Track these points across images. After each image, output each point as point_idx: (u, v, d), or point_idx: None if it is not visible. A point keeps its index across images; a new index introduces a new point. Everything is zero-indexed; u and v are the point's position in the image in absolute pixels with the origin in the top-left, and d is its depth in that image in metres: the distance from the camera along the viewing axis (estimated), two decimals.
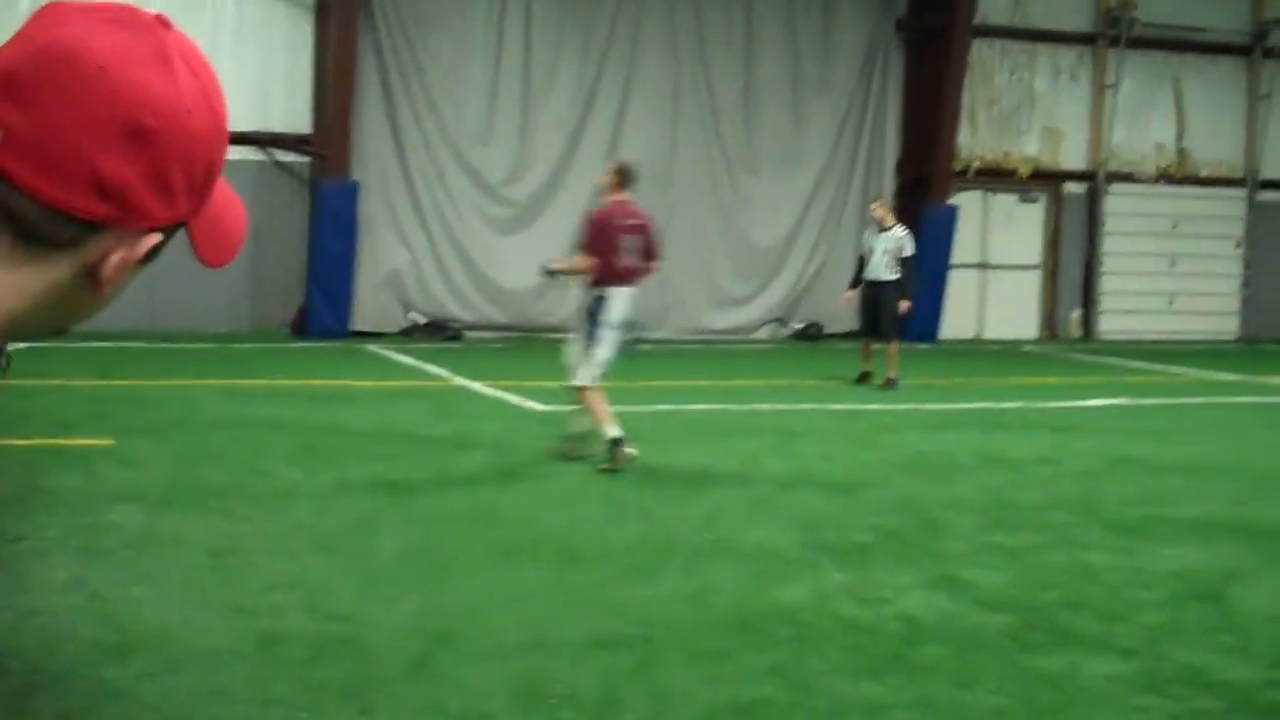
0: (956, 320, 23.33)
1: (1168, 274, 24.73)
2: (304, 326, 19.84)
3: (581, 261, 10.49)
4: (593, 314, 10.52)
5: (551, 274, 11.18)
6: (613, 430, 10.29)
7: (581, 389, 10.43)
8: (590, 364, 10.40)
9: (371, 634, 6.26)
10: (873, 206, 16.83)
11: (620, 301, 10.48)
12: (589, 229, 10.59)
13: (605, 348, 10.40)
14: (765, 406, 14.40)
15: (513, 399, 14.35)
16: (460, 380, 15.67)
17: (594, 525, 8.64)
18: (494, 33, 21.04)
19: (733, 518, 8.97)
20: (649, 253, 10.66)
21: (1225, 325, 25.31)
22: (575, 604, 6.87)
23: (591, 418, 10.47)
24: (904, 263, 16.12)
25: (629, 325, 10.55)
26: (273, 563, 7.44)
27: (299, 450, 10.85)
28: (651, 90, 21.89)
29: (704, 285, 22.32)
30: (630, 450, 10.27)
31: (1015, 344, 23.32)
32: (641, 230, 10.58)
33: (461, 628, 6.39)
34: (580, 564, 7.66)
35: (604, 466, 10.24)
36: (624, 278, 10.49)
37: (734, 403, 14.62)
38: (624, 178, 10.71)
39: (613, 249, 10.39)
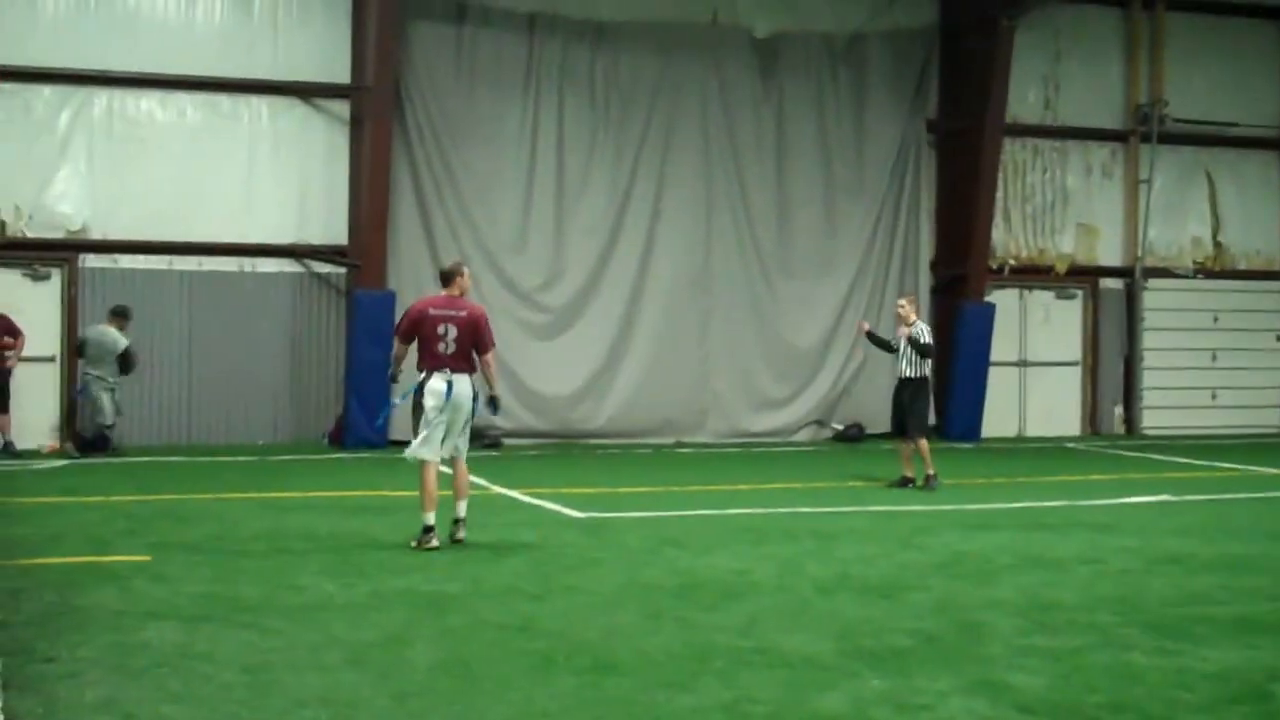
0: (998, 419, 23.19)
1: (1209, 368, 24.55)
2: (342, 437, 19.90)
3: (397, 349, 11.82)
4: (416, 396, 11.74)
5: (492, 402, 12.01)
6: (427, 517, 11.43)
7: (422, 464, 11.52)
8: (415, 441, 11.60)
9: None
10: (899, 303, 16.86)
11: (434, 384, 11.45)
12: (403, 319, 12.02)
13: (423, 427, 11.51)
14: (805, 509, 14.31)
15: (550, 506, 14.32)
16: (498, 488, 15.65)
17: (630, 634, 8.56)
18: (527, 140, 21.23)
19: (771, 624, 8.88)
20: (477, 344, 11.59)
21: (1268, 418, 25.07)
22: (610, 716, 6.79)
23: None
24: (921, 347, 16.12)
25: (454, 409, 11.46)
26: (304, 678, 7.40)
27: (334, 562, 10.84)
28: (685, 195, 22.03)
29: (742, 388, 22.32)
30: (434, 542, 11.36)
31: (1057, 441, 23.16)
32: (458, 322, 11.52)
33: None
34: (616, 674, 7.58)
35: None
36: (440, 364, 11.46)
37: (773, 506, 14.53)
38: (443, 277, 11.96)
39: (429, 338, 11.50)
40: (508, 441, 20.75)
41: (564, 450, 20.44)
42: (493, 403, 11.95)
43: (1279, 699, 7.28)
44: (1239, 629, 8.90)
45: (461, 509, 11.68)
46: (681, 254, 22.07)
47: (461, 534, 11.65)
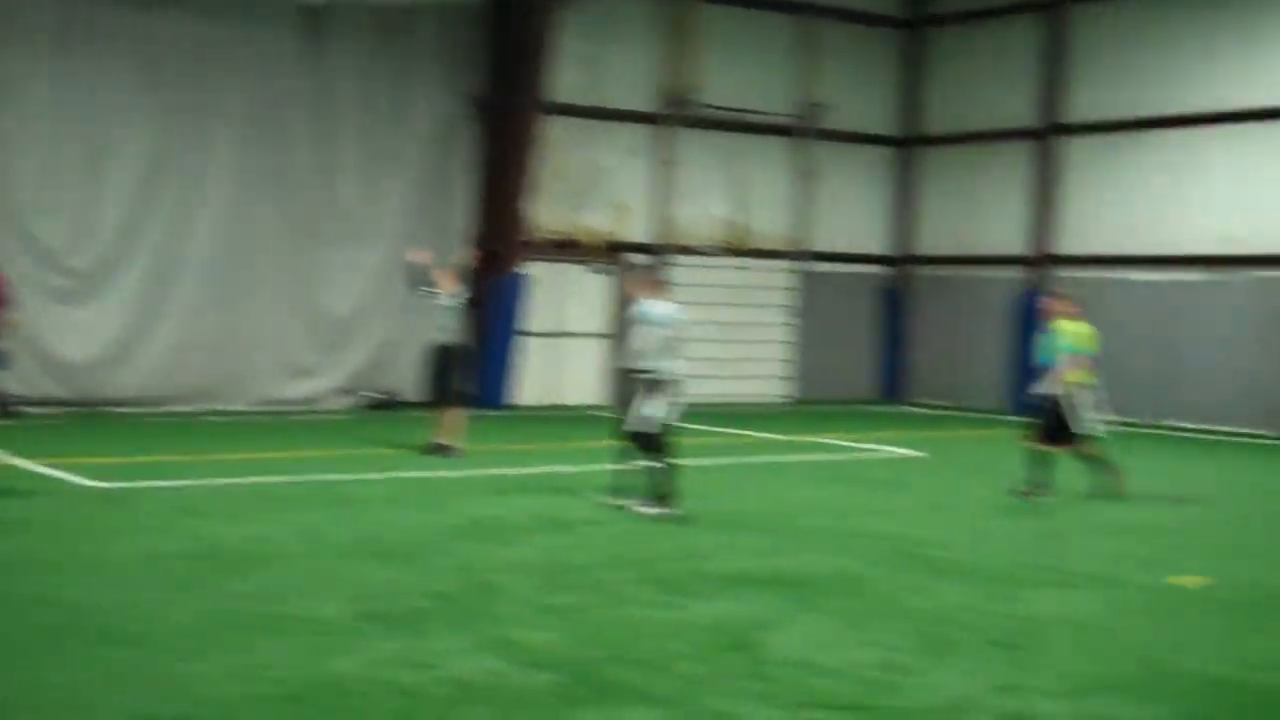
0: (530, 386, 23.86)
1: (727, 341, 26.01)
2: None
3: None
4: None
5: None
6: None
7: None
8: None
9: None
10: (437, 273, 17.14)
11: None
12: None
13: None
14: (332, 476, 14.38)
15: (70, 477, 13.82)
16: (14, 459, 14.98)
17: (147, 604, 8.47)
18: (60, 101, 20.27)
19: (290, 590, 8.96)
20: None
21: (779, 388, 26.82)
22: (120, 686, 6.74)
23: None
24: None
25: None
26: None
27: None
28: (225, 161, 21.54)
29: (278, 356, 22.07)
30: None
31: (587, 408, 24.03)
32: None
33: None
34: (129, 644, 7.51)
35: None
36: None
37: (301, 474, 14.52)
38: None
39: None
40: (32, 410, 19.83)
41: (90, 419, 19.70)
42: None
43: (764, 645, 7.94)
44: (734, 583, 9.62)
45: None
46: (220, 220, 21.60)
47: None
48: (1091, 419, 14.18)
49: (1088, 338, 14.24)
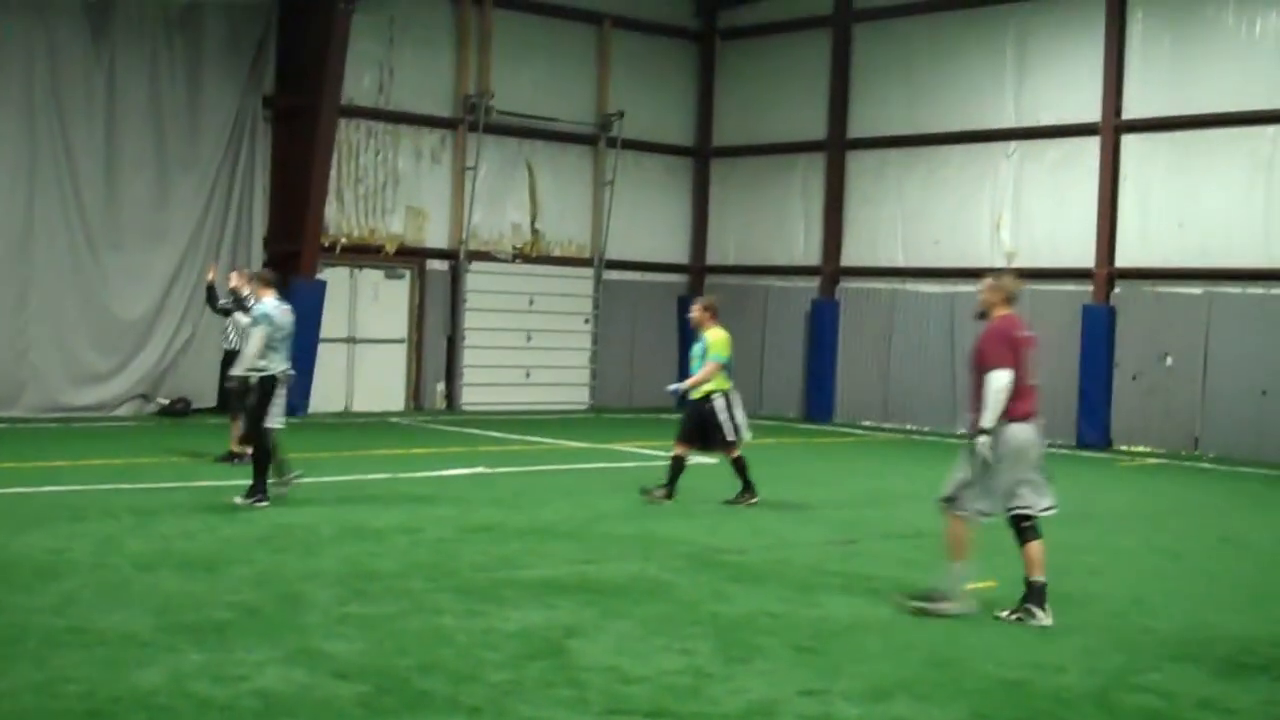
0: (325, 393, 23.58)
1: (525, 348, 26.09)
2: None
3: None
4: None
5: None
6: None
7: None
8: None
9: None
10: (231, 277, 16.98)
11: None
12: None
13: None
14: (125, 485, 14.06)
15: None
16: None
17: None
18: None
19: (88, 602, 8.76)
20: None
21: (578, 395, 26.97)
22: None
23: None
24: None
25: None
26: None
27: None
28: (6, 158, 20.86)
29: (63, 360, 21.40)
30: None
31: (383, 416, 23.85)
32: None
33: None
34: None
35: None
36: None
37: (92, 483, 14.17)
38: None
39: None
40: None
41: None
42: None
43: (572, 652, 8.03)
44: (542, 590, 9.69)
45: None
46: (1, 219, 20.88)
47: None
48: (741, 424, 14.43)
49: (724, 344, 14.50)
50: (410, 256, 25.13)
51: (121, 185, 21.86)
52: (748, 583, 10.28)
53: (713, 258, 28.58)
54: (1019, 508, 9.42)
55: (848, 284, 26.34)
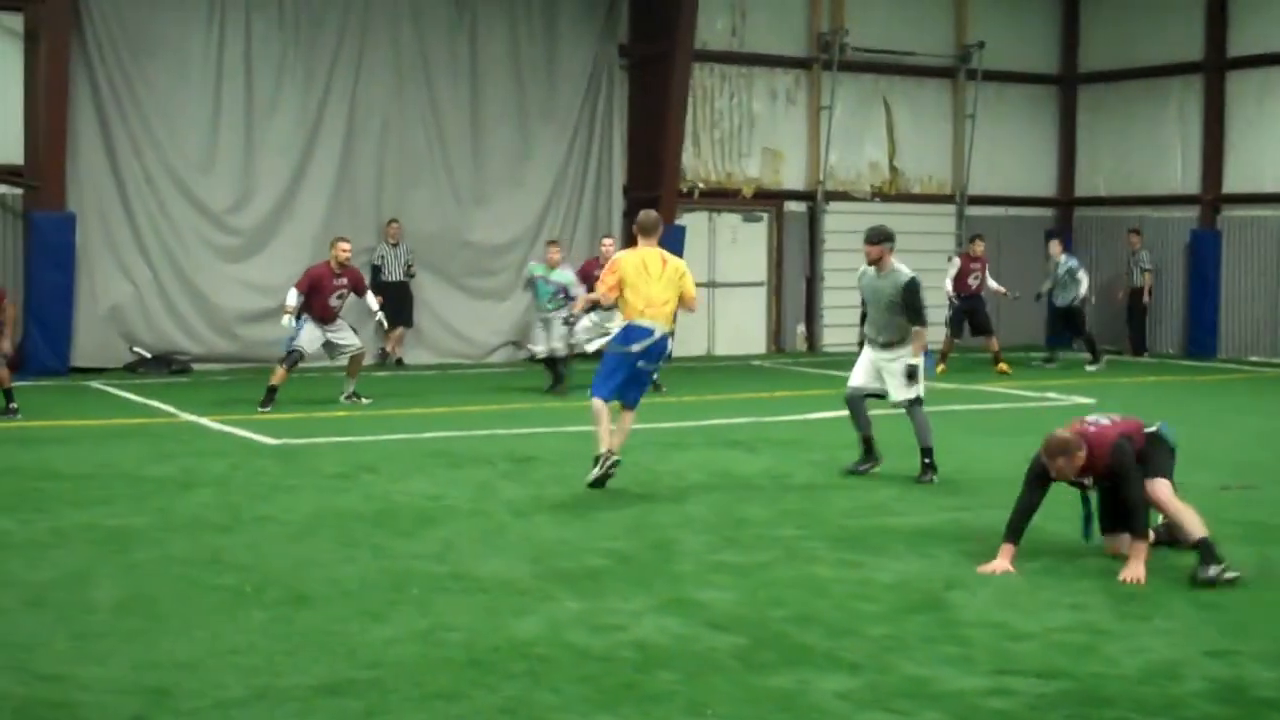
0: (687, 338, 23.62)
1: None
2: (21, 364, 18.92)
3: None
4: None
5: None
6: None
7: None
8: None
9: (82, 694, 5.99)
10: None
11: None
12: None
13: None
14: (500, 431, 14.31)
15: (241, 432, 13.97)
16: (187, 415, 15.19)
17: (324, 564, 8.44)
18: (213, 59, 20.51)
19: (466, 549, 8.88)
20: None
21: (940, 333, 26.18)
22: (303, 650, 6.69)
23: None
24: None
25: None
26: None
27: (10, 497, 10.36)
28: (377, 117, 21.64)
29: (438, 311, 22.18)
30: None
31: (744, 359, 23.78)
32: None
33: (179, 683, 6.16)
34: (308, 606, 7.47)
35: None
36: None
37: (469, 429, 14.50)
38: None
39: None
40: (198, 367, 20.17)
41: (258, 375, 19.90)
42: None
43: (954, 606, 7.66)
44: (917, 539, 9.33)
45: None
46: (374, 177, 21.71)
47: None
48: None
49: None
50: (768, 199, 24.91)
51: (485, 138, 22.38)
52: None
53: (1081, 189, 27.34)
54: None
55: (1230, 212, 24.77)
